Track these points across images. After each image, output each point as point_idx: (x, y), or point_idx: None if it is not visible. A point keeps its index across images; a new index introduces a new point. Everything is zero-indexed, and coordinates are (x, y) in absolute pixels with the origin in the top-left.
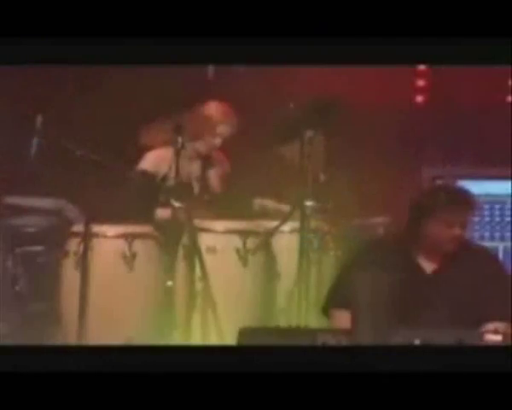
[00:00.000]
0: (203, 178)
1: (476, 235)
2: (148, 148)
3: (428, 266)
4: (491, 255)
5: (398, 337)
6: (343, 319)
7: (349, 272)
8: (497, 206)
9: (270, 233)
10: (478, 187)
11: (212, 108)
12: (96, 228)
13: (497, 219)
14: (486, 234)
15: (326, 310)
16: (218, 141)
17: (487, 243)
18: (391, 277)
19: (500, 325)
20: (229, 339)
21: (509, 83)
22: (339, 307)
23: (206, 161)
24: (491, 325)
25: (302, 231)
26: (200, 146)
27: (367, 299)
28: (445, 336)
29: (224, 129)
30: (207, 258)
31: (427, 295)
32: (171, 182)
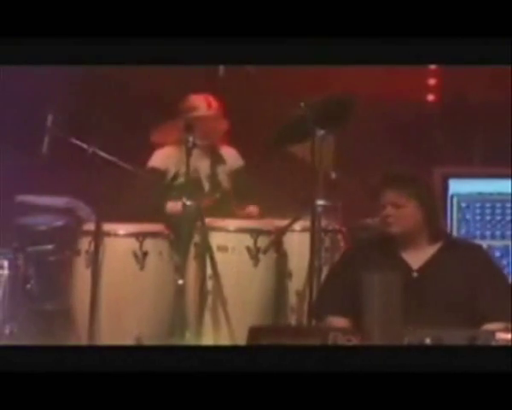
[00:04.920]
0: (213, 176)
1: (487, 233)
2: (160, 146)
3: (414, 262)
4: (483, 252)
5: (405, 337)
6: (340, 325)
7: (339, 277)
8: (509, 204)
9: (282, 232)
10: (490, 186)
11: (209, 102)
12: (108, 226)
13: (508, 217)
14: (497, 232)
15: (319, 317)
16: (225, 137)
17: (497, 242)
18: (394, 276)
19: (497, 325)
20: (240, 338)
21: None
22: (334, 314)
23: (217, 158)
24: (489, 326)
25: (313, 229)
26: (210, 143)
27: (375, 300)
28: (455, 336)
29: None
30: (218, 257)
31: (416, 291)
32: (181, 180)
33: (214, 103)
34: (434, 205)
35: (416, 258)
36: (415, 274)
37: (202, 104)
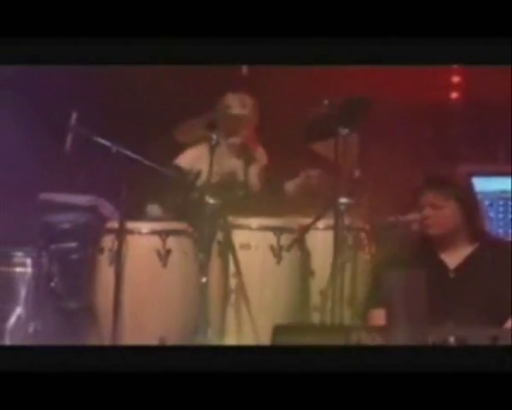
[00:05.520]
0: (241, 174)
1: (510, 232)
2: (184, 145)
3: (451, 262)
4: None
5: (433, 336)
6: (382, 317)
7: (380, 273)
8: None
9: (305, 230)
10: None
11: (243, 102)
12: (131, 225)
13: None
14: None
15: (363, 314)
16: (252, 134)
17: None
18: (421, 274)
19: None
20: (263, 336)
21: None
22: (376, 307)
23: (244, 156)
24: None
25: (336, 227)
26: (236, 141)
27: (401, 298)
28: (478, 335)
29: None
30: (241, 255)
31: (453, 290)
32: (206, 178)
33: (249, 103)
34: (472, 205)
35: (454, 258)
36: (451, 274)
37: (236, 103)
